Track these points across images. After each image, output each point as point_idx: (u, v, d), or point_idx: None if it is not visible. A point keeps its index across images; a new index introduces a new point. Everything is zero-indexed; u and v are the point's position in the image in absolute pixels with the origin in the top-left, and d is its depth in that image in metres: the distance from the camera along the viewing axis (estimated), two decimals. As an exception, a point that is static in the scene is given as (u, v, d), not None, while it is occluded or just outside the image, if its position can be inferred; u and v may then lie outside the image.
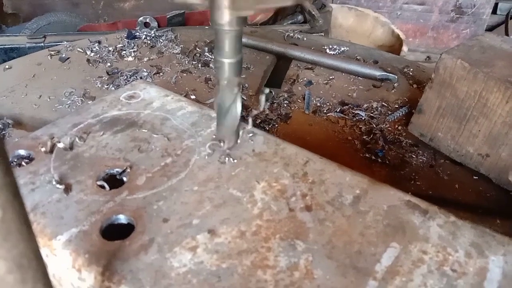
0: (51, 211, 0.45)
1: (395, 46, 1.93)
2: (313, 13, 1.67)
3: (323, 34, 1.67)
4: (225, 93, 0.49)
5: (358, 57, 1.11)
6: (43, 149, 0.52)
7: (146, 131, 0.56)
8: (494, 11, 2.92)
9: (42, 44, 1.32)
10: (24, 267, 0.26)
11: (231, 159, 0.52)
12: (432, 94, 0.76)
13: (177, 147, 0.54)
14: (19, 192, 0.24)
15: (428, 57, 3.03)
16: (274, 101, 0.91)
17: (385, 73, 0.99)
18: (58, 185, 0.48)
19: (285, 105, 0.90)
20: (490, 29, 3.03)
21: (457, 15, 2.86)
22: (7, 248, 0.24)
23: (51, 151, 0.52)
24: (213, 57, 1.07)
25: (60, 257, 0.42)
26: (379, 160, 0.77)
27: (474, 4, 2.81)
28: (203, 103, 0.88)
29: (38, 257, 0.27)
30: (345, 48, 1.15)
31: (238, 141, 0.54)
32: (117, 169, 0.50)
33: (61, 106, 0.87)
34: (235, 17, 0.44)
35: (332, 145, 0.80)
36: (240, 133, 0.54)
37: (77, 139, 0.54)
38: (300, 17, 1.75)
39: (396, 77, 0.99)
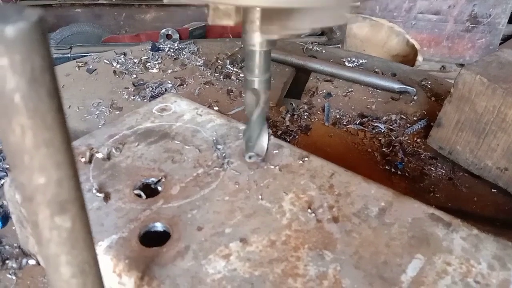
0: (92, 218, 0.47)
1: (409, 55, 1.93)
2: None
3: (340, 45, 1.69)
4: (256, 115, 0.51)
5: (376, 70, 1.13)
6: (82, 160, 0.55)
7: (178, 142, 0.59)
8: (510, 21, 2.90)
9: (69, 55, 1.36)
10: (86, 272, 0.28)
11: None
12: (451, 108, 0.78)
13: (208, 158, 0.57)
14: (85, 205, 0.27)
15: (443, 66, 3.02)
16: (295, 112, 0.94)
17: (404, 86, 1.01)
18: (98, 194, 0.50)
19: (305, 116, 0.93)
20: (506, 39, 3.00)
21: (472, 25, 2.85)
22: (73, 255, 0.27)
23: (90, 161, 0.55)
24: (234, 69, 1.10)
25: (101, 263, 0.45)
26: (399, 172, 0.78)
27: (489, 13, 2.80)
28: (225, 114, 0.91)
29: (97, 264, 0.30)
30: (363, 60, 1.17)
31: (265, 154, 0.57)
32: (152, 179, 0.53)
33: (90, 116, 0.90)
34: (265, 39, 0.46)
35: (352, 156, 0.82)
36: (267, 145, 0.57)
37: (113, 150, 0.57)
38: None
39: (415, 90, 1.01)
